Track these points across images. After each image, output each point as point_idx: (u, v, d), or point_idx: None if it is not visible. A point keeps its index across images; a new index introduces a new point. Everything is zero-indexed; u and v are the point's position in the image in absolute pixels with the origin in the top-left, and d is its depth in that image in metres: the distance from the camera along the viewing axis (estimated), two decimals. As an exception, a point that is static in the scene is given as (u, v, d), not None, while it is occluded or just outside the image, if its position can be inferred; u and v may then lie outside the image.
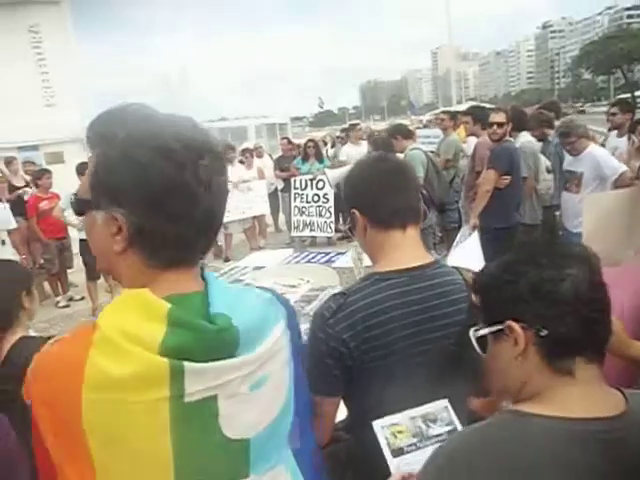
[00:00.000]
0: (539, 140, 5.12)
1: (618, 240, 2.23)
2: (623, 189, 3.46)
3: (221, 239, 8.56)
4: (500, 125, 4.30)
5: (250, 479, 0.84)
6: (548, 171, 4.87)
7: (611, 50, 62.57)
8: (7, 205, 6.01)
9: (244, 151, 8.97)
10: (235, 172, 8.42)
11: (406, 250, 1.35)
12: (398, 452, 1.18)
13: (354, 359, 1.27)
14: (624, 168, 3.89)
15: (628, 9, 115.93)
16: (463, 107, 9.59)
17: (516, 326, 0.86)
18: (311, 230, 8.03)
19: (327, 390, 1.31)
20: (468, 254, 3.27)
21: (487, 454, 0.79)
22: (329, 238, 8.19)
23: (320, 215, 7.95)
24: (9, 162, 7.29)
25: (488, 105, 9.79)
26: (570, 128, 4.15)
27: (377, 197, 1.36)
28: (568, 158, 4.33)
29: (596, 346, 0.86)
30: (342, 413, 1.45)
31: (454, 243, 4.16)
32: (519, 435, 0.80)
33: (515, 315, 0.87)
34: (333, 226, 7.84)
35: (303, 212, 8.04)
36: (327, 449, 1.38)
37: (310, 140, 8.79)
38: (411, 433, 1.21)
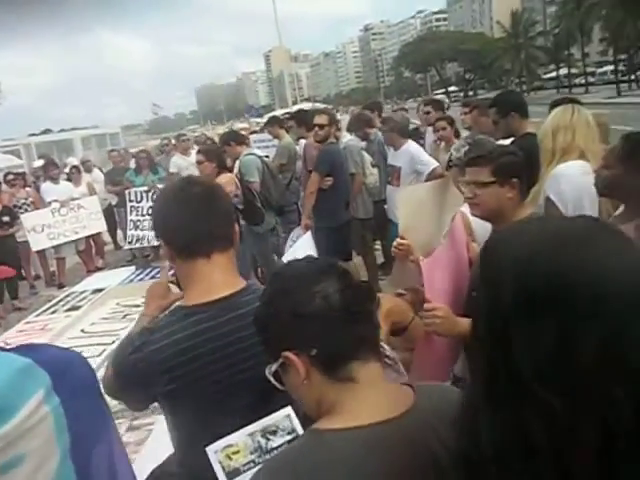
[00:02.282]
0: (363, 139, 5.44)
1: (432, 229, 2.45)
2: (433, 181, 3.80)
3: (53, 264, 7.87)
4: (321, 127, 4.49)
5: None
6: (373, 165, 5.20)
7: (425, 51, 68.83)
8: None
9: (72, 168, 8.31)
10: (62, 190, 7.78)
11: (213, 279, 1.31)
12: (234, 474, 1.17)
13: (164, 397, 1.25)
14: (436, 164, 4.27)
15: (436, 13, 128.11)
16: (300, 107, 9.82)
17: (290, 355, 0.90)
18: (141, 244, 7.59)
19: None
20: (302, 254, 3.36)
21: (288, 476, 0.81)
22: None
23: (153, 229, 7.58)
24: None
25: (322, 105, 10.18)
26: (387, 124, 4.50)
27: (178, 225, 1.31)
28: (390, 153, 4.67)
29: (367, 345, 0.91)
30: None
31: (287, 243, 4.29)
32: (316, 454, 0.83)
33: (287, 345, 0.91)
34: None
35: (137, 226, 7.62)
36: None
37: (142, 151, 8.37)
38: (249, 450, 1.20)
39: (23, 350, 0.84)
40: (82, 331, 4.73)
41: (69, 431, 0.84)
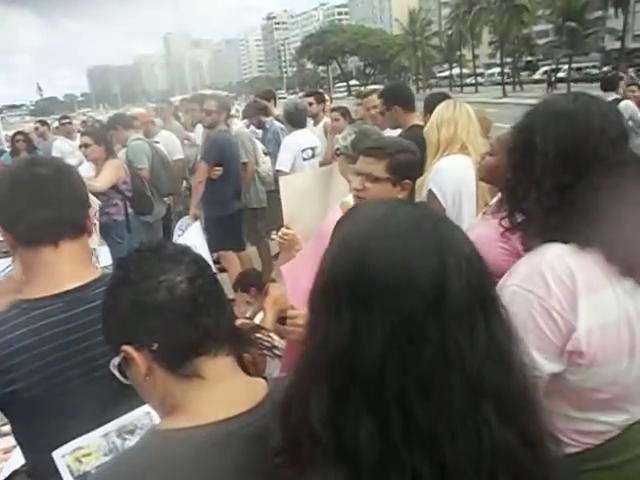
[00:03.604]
0: (258, 127, 5.36)
1: (317, 219, 2.43)
2: (316, 169, 3.80)
3: None
4: (209, 113, 4.39)
5: None
6: (265, 154, 5.14)
7: (327, 43, 69.53)
8: None
9: None
10: None
11: (61, 270, 1.19)
12: (83, 477, 1.09)
13: (5, 400, 1.13)
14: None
15: (338, 6, 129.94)
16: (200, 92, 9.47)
17: (129, 349, 0.83)
18: None
19: None
20: (190, 243, 3.25)
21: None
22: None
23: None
24: None
25: (224, 92, 9.91)
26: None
27: (20, 210, 1.18)
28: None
29: (214, 339, 0.85)
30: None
31: (175, 232, 4.15)
32: (155, 456, 0.77)
33: (128, 338, 0.84)
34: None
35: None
36: None
37: (19, 132, 7.67)
38: (102, 452, 1.11)
39: None
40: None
41: None
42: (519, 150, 1.17)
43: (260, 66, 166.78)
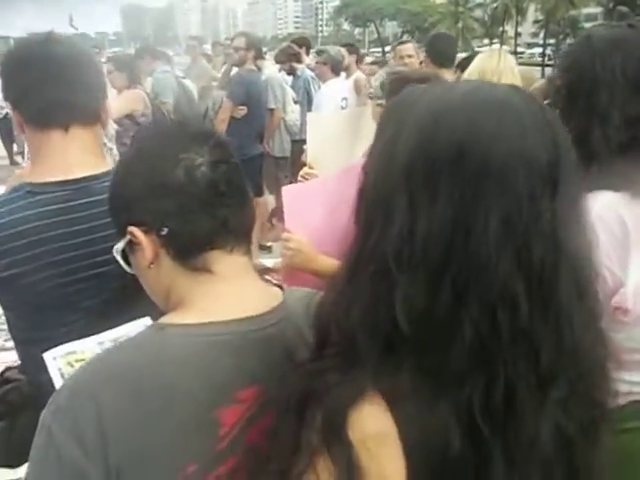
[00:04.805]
0: (289, 74, 5.20)
1: (342, 161, 2.33)
2: (347, 110, 3.68)
3: None
4: (237, 49, 4.34)
5: None
6: (295, 102, 4.99)
7: (366, 5, 67.73)
8: None
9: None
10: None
11: (69, 156, 1.12)
12: None
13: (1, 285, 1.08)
14: None
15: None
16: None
17: (136, 231, 0.74)
18: None
19: None
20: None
21: (116, 378, 0.66)
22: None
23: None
24: None
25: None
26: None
27: (30, 87, 1.09)
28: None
29: (232, 233, 0.76)
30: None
31: None
32: (154, 350, 0.69)
33: (135, 219, 0.75)
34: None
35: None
36: None
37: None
38: None
39: None
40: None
41: None
42: (573, 86, 1.06)
43: (296, 22, 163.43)
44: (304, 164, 2.43)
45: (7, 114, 7.62)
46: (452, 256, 0.53)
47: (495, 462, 0.53)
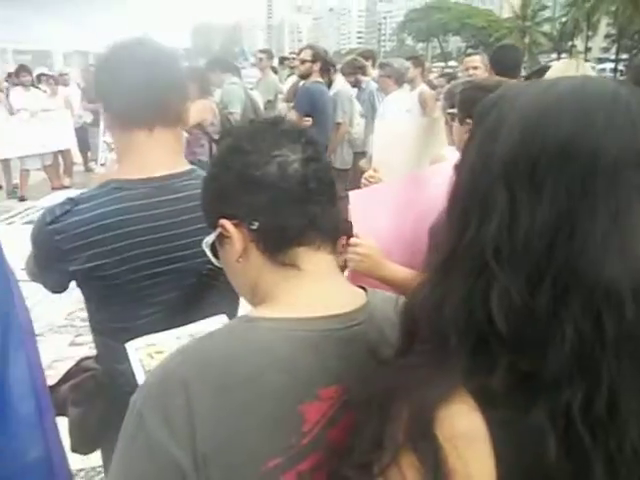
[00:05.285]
0: (353, 86, 5.23)
1: (407, 165, 2.31)
2: (419, 118, 3.66)
3: (16, 176, 7.56)
4: (303, 62, 4.42)
5: None
6: (360, 115, 5.01)
7: (430, 20, 67.41)
8: None
9: (41, 76, 7.88)
10: (33, 99, 7.39)
11: (152, 155, 1.17)
12: None
13: (77, 275, 1.13)
14: None
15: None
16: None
17: (227, 224, 0.76)
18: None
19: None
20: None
21: (208, 368, 0.68)
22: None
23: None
24: None
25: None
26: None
27: (118, 89, 1.15)
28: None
29: (320, 231, 0.76)
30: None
31: None
32: (244, 342, 0.70)
33: (227, 212, 0.76)
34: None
35: (112, 149, 7.30)
36: (73, 380, 1.28)
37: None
38: None
39: None
40: (36, 245, 4.60)
41: None
42: None
43: (359, 38, 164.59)
44: (363, 172, 2.44)
45: (84, 123, 8.07)
46: (555, 253, 0.51)
47: (595, 473, 0.50)
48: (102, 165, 7.34)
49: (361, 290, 0.81)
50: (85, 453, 1.39)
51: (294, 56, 7.64)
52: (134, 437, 0.66)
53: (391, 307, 0.81)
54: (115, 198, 1.12)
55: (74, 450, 1.36)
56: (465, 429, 0.52)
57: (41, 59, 12.30)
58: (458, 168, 0.61)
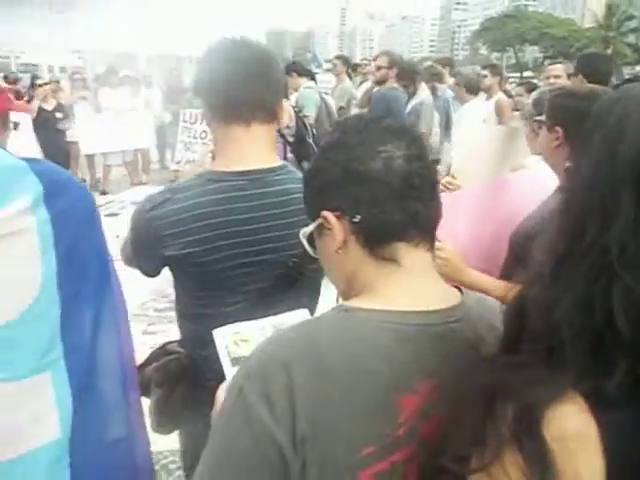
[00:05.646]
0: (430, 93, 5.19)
1: (486, 173, 2.28)
2: (500, 126, 3.59)
3: (99, 170, 7.99)
4: (379, 68, 4.42)
5: None
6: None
7: (507, 29, 65.73)
8: None
9: (125, 78, 8.30)
10: (119, 99, 7.79)
11: (248, 149, 1.21)
12: (238, 360, 1.07)
13: (171, 260, 1.18)
14: None
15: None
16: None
17: (330, 215, 0.77)
18: None
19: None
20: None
21: (309, 353, 0.70)
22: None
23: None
24: None
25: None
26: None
27: (219, 86, 1.20)
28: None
29: (420, 228, 0.77)
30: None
31: None
32: (343, 331, 0.71)
33: (330, 204, 0.78)
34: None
35: (188, 148, 7.58)
36: (158, 362, 1.32)
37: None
38: (257, 343, 1.12)
39: (24, 158, 0.75)
40: (117, 236, 4.82)
41: (56, 256, 0.76)
42: None
43: (431, 46, 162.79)
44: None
45: (164, 123, 8.42)
46: None
47: None
48: (177, 163, 7.65)
49: (455, 289, 0.81)
50: (164, 433, 1.45)
51: (366, 62, 7.68)
52: (234, 413, 0.69)
53: (485, 308, 0.81)
54: (211, 189, 1.17)
55: (155, 430, 1.42)
56: (575, 430, 0.51)
57: (126, 61, 12.98)
58: (571, 171, 0.61)
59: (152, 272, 1.29)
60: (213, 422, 0.95)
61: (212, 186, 1.17)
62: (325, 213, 0.78)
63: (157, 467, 2.54)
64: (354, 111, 5.85)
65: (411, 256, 0.76)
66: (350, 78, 6.80)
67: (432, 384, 0.70)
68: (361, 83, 6.39)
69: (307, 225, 1.23)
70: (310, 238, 0.84)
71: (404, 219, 0.75)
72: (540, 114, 1.95)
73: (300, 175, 1.29)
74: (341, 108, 5.81)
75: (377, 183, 0.74)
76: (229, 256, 1.17)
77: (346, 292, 0.82)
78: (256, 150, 1.21)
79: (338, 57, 6.44)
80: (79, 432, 0.82)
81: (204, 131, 7.51)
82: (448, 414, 0.64)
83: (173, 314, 1.39)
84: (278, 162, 1.25)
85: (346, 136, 0.79)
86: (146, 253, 1.22)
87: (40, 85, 7.37)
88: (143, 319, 3.83)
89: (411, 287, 0.76)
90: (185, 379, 1.31)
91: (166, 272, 1.28)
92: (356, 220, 0.75)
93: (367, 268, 0.77)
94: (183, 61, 15.45)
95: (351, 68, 7.64)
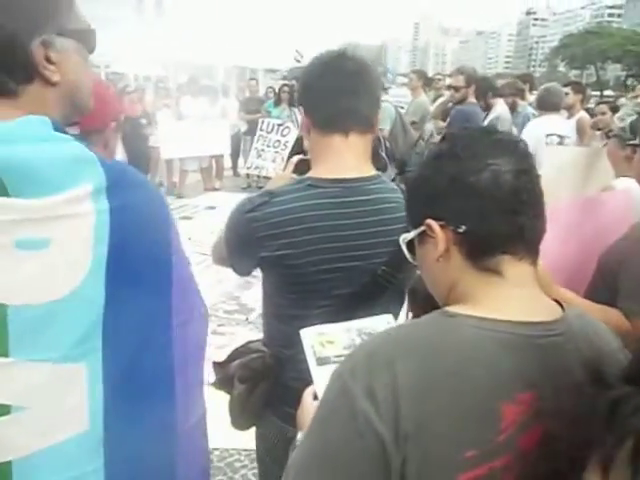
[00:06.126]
0: (510, 109, 5.09)
1: (570, 192, 2.23)
2: (584, 147, 3.50)
3: (176, 175, 8.32)
4: (457, 89, 4.39)
5: (11, 361, 0.72)
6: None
7: (588, 46, 63.33)
8: None
9: (204, 88, 8.66)
10: (199, 108, 8.13)
11: (345, 158, 1.24)
12: (324, 361, 1.09)
13: (266, 261, 1.22)
14: None
15: (610, 7, 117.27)
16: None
17: (434, 224, 0.78)
18: (259, 172, 7.78)
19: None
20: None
21: (411, 354, 0.71)
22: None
23: (273, 161, 7.74)
24: None
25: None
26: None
27: (321, 97, 1.24)
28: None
29: (525, 242, 0.77)
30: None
31: None
32: (445, 335, 0.73)
33: (434, 213, 0.79)
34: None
35: (260, 155, 7.80)
36: (242, 359, 1.37)
37: (285, 85, 8.54)
38: (342, 345, 1.14)
39: (97, 154, 0.78)
40: (189, 239, 5.03)
41: (109, 246, 0.76)
42: None
43: (507, 62, 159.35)
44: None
45: (239, 130, 8.70)
46: None
47: None
48: (248, 168, 7.84)
49: (556, 304, 0.81)
50: (242, 429, 1.49)
51: (440, 78, 7.62)
52: (338, 407, 0.71)
53: (586, 324, 0.80)
54: (309, 194, 1.21)
55: (234, 425, 1.47)
56: None
57: (206, 72, 13.57)
58: None
59: (244, 272, 1.34)
60: (299, 418, 0.97)
61: (310, 191, 1.21)
62: (429, 221, 0.79)
63: (222, 464, 2.61)
64: (428, 125, 5.81)
65: (515, 269, 0.77)
66: (425, 92, 6.78)
67: (532, 396, 0.70)
68: (436, 98, 6.33)
69: (399, 235, 1.25)
70: (409, 245, 0.86)
71: (511, 232, 0.75)
72: (635, 138, 1.89)
73: (393, 186, 1.31)
74: (414, 123, 5.79)
75: (485, 196, 0.75)
76: (321, 260, 1.20)
77: (443, 298, 0.82)
78: (353, 159, 1.24)
79: (414, 71, 6.43)
80: (113, 429, 0.79)
81: (277, 140, 7.78)
82: (543, 428, 0.64)
83: (241, 317, 1.42)
84: (373, 172, 1.28)
85: (456, 147, 0.80)
86: (241, 253, 1.27)
87: (128, 93, 7.80)
88: (213, 319, 3.98)
89: (514, 298, 0.76)
90: (268, 377, 1.34)
91: (236, 277, 1.31)
92: (461, 231, 0.76)
93: (468, 278, 0.78)
94: (259, 72, 15.94)
95: (425, 83, 7.62)
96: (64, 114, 0.83)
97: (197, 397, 0.97)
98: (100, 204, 0.74)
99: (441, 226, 0.78)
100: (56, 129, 0.76)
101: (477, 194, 0.75)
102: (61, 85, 0.81)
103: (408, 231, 0.86)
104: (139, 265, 0.80)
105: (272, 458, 1.38)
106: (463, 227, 0.76)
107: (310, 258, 1.20)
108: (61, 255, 0.73)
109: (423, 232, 0.81)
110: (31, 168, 0.70)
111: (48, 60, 0.79)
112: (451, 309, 0.77)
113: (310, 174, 1.27)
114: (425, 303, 0.90)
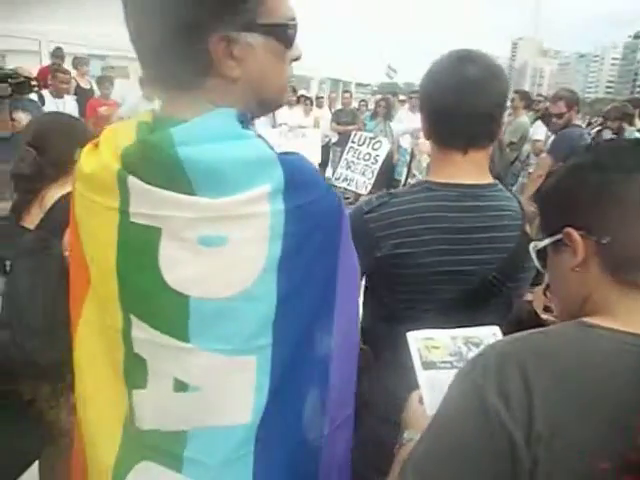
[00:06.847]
0: (614, 133, 4.86)
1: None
2: None
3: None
4: (560, 116, 4.23)
5: (191, 346, 0.76)
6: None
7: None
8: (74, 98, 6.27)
9: (301, 97, 8.88)
10: (293, 116, 8.35)
11: (463, 168, 1.24)
12: (429, 365, 1.09)
13: (381, 261, 1.23)
14: None
15: None
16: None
17: (574, 233, 0.77)
18: (348, 184, 7.87)
19: None
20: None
21: (545, 359, 0.71)
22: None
23: (362, 174, 7.79)
24: (79, 63, 7.42)
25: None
26: None
27: (437, 109, 1.23)
28: None
29: None
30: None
31: None
32: (582, 345, 0.72)
33: (574, 222, 0.78)
34: (369, 188, 7.57)
35: (349, 167, 7.87)
36: None
37: (383, 99, 8.60)
38: (448, 352, 1.14)
39: (277, 151, 0.79)
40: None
41: (282, 245, 0.77)
42: None
43: (608, 87, 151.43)
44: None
45: (330, 140, 8.85)
46: None
47: None
48: (337, 179, 7.95)
49: None
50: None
51: (540, 99, 7.37)
52: (468, 406, 0.72)
53: None
54: (427, 196, 1.22)
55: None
56: None
57: (302, 83, 13.92)
58: None
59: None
60: (404, 420, 0.98)
61: (429, 193, 1.22)
62: (569, 230, 0.79)
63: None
64: (526, 146, 5.65)
65: None
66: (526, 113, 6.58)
67: None
68: (535, 120, 6.15)
69: (513, 243, 1.25)
70: (540, 253, 0.86)
71: None
72: None
73: (509, 194, 1.31)
74: (512, 143, 5.64)
75: (633, 209, 0.74)
76: (436, 262, 1.21)
77: (576, 310, 0.81)
78: (471, 170, 1.25)
79: (517, 91, 6.25)
80: (269, 423, 0.82)
81: (368, 153, 7.84)
82: None
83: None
84: (490, 179, 1.28)
85: (601, 158, 0.80)
86: (358, 254, 1.30)
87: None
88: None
89: None
90: (368, 374, 1.36)
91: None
92: (604, 242, 0.76)
93: (606, 290, 0.77)
94: (351, 85, 16.12)
95: (527, 105, 7.42)
96: (249, 109, 0.84)
97: (348, 397, 0.97)
98: (276, 205, 0.76)
99: (581, 236, 0.78)
100: (241, 121, 0.79)
101: (625, 206, 0.75)
102: (243, 81, 0.81)
103: (522, 253, 0.85)
104: (308, 266, 0.81)
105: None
106: (607, 238, 0.75)
107: (424, 259, 1.20)
108: (237, 253, 0.75)
109: (558, 241, 0.81)
110: (216, 169, 0.73)
111: (231, 55, 0.78)
112: (588, 320, 0.76)
113: (428, 178, 1.29)
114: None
